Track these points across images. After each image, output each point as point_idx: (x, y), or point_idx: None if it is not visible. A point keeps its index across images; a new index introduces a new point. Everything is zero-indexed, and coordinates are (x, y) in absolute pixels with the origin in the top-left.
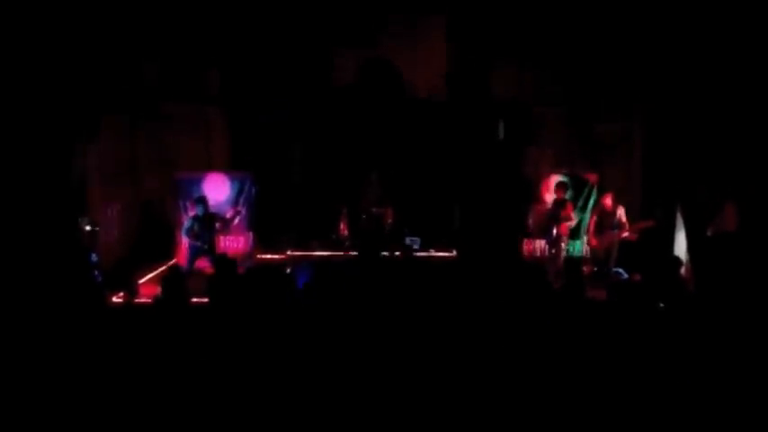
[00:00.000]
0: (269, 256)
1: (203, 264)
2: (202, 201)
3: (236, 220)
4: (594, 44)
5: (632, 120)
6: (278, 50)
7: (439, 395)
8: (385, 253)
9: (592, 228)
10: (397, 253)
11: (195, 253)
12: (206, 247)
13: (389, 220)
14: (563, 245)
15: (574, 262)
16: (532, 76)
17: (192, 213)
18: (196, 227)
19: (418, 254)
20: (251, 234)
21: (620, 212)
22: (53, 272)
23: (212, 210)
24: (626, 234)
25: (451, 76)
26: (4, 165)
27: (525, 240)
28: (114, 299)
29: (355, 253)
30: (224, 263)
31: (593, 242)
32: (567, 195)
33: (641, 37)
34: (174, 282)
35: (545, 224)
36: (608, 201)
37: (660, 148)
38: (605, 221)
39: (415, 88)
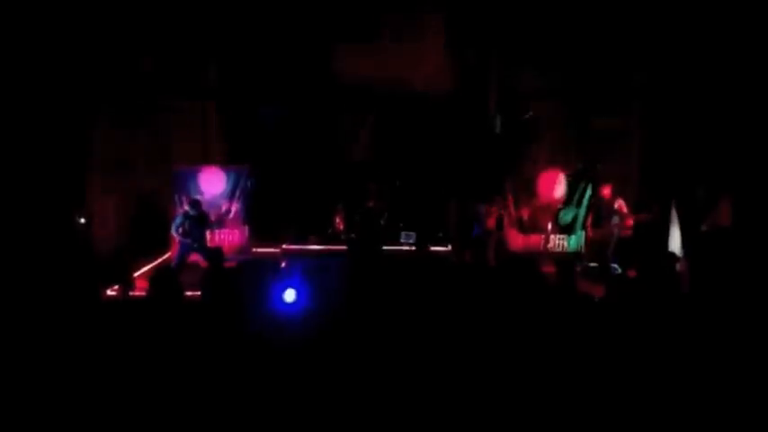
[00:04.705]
0: (264, 250)
1: (196, 258)
2: (196, 205)
3: (232, 214)
4: (593, 39)
5: (630, 115)
6: (276, 45)
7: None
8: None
9: (590, 219)
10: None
11: (185, 249)
12: (196, 245)
13: (384, 216)
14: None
15: (565, 260)
16: (530, 71)
17: (183, 210)
18: (186, 224)
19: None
20: (246, 228)
21: (620, 203)
22: (49, 265)
23: (206, 207)
24: (631, 223)
25: (449, 71)
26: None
27: (520, 235)
28: (109, 292)
29: (348, 248)
30: (217, 256)
31: (590, 234)
32: (563, 191)
33: (639, 32)
34: (163, 282)
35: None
36: (606, 191)
37: (657, 144)
38: (603, 212)
39: (412, 83)
